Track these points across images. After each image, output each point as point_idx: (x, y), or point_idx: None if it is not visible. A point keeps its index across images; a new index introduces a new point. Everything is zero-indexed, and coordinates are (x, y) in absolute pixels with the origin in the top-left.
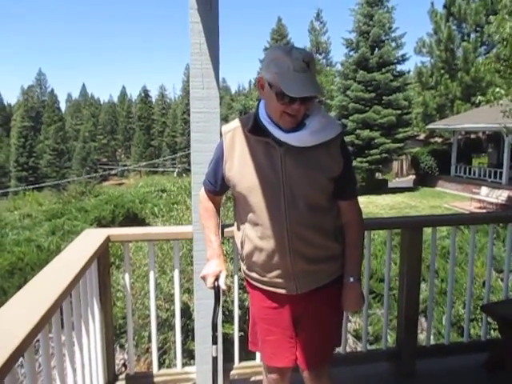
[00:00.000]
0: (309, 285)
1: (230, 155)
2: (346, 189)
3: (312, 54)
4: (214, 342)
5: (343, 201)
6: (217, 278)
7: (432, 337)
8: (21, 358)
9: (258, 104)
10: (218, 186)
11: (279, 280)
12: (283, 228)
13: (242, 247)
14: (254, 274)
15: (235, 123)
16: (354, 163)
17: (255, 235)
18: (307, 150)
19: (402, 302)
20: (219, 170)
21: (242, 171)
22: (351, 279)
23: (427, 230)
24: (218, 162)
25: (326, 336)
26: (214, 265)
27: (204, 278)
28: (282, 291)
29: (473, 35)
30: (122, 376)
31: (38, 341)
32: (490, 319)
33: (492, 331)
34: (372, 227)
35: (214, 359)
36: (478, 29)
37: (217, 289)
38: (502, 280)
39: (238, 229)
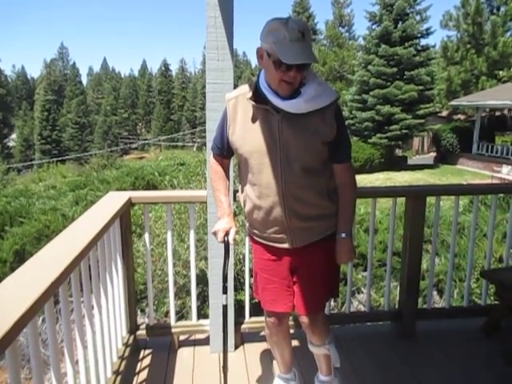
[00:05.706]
0: (303, 240)
1: (232, 120)
2: (340, 152)
3: (307, 25)
4: (224, 291)
5: (337, 164)
6: (227, 234)
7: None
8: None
9: (259, 74)
10: (225, 150)
11: (277, 235)
12: (279, 188)
13: (244, 206)
14: (255, 231)
15: (238, 91)
16: (373, 139)
17: (254, 195)
18: (303, 116)
19: (404, 266)
20: (224, 134)
21: (243, 135)
22: (343, 235)
23: (443, 207)
24: (223, 126)
25: (320, 285)
26: (224, 222)
27: (215, 234)
28: (280, 245)
29: (502, 8)
30: (143, 326)
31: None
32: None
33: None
34: (378, 195)
35: (224, 307)
36: (508, 2)
37: (226, 243)
38: None
39: (242, 190)
